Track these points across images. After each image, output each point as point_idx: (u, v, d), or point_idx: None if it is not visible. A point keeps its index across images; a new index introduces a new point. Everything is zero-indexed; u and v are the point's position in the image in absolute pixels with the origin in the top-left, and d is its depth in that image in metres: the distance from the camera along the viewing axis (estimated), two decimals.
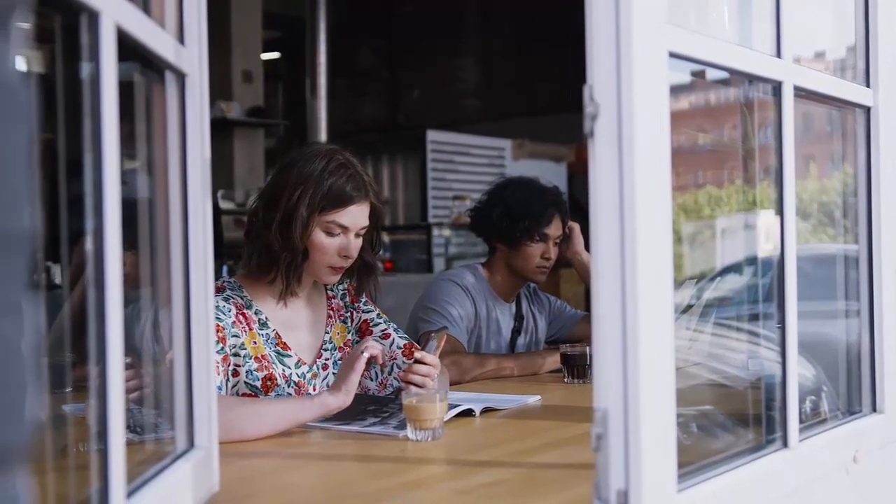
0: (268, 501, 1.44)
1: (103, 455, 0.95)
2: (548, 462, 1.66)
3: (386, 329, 2.28)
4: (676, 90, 1.20)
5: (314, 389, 2.15)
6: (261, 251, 2.10)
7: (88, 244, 0.95)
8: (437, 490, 1.50)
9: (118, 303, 0.96)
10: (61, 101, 0.99)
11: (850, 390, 1.77)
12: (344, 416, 1.98)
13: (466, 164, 8.18)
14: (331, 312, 2.26)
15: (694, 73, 1.38)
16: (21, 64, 0.55)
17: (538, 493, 1.46)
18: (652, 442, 1.11)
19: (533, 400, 2.25)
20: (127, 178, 1.08)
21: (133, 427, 1.25)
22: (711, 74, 1.46)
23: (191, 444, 1.31)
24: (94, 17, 0.93)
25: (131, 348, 1.11)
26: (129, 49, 1.06)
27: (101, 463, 0.95)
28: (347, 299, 2.30)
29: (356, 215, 2.09)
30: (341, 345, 2.25)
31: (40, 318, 0.60)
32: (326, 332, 2.23)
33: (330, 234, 2.08)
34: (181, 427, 1.30)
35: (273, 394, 2.06)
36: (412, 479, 1.56)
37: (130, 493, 1.03)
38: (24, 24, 0.57)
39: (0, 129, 0.51)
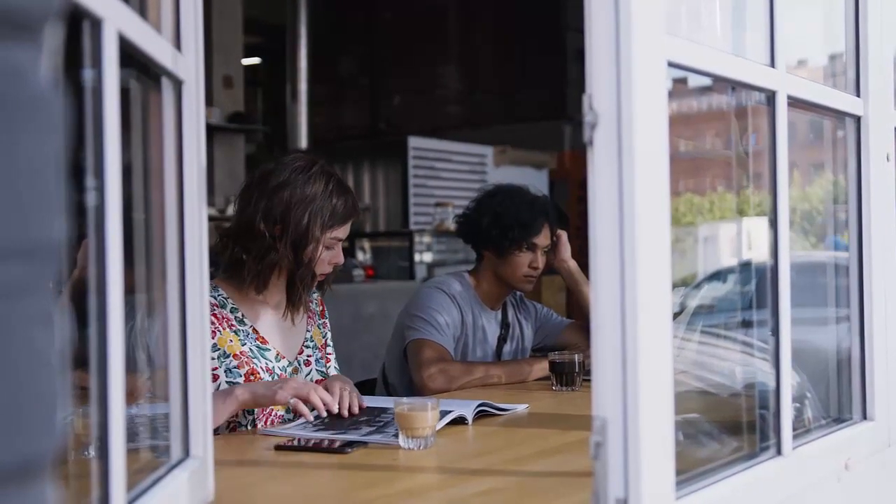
0: None
1: (103, 465, 0.94)
2: (541, 470, 1.66)
3: (331, 354, 2.38)
4: None
5: None
6: (269, 269, 2.14)
7: (90, 250, 0.94)
8: (432, 499, 1.49)
9: (119, 311, 0.95)
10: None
11: (840, 398, 1.78)
12: (338, 426, 1.97)
13: (448, 170, 8.17)
14: (310, 313, 2.34)
15: (676, 80, 1.38)
16: (52, 75, 0.55)
17: (534, 501, 1.45)
18: (651, 450, 1.11)
19: (522, 408, 2.25)
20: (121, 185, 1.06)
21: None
22: (693, 82, 1.46)
23: (186, 453, 1.30)
24: (96, 24, 0.92)
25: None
26: (127, 55, 1.05)
27: (101, 473, 0.94)
28: (319, 308, 2.39)
29: (349, 228, 2.22)
30: (320, 345, 2.33)
31: (67, 327, 0.59)
32: (308, 331, 2.31)
33: (329, 248, 2.18)
34: (176, 436, 1.29)
35: None
36: (406, 488, 1.55)
37: None
38: (55, 37, 0.56)
39: (34, 141, 0.50)
